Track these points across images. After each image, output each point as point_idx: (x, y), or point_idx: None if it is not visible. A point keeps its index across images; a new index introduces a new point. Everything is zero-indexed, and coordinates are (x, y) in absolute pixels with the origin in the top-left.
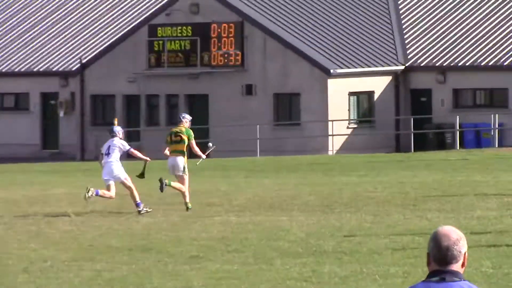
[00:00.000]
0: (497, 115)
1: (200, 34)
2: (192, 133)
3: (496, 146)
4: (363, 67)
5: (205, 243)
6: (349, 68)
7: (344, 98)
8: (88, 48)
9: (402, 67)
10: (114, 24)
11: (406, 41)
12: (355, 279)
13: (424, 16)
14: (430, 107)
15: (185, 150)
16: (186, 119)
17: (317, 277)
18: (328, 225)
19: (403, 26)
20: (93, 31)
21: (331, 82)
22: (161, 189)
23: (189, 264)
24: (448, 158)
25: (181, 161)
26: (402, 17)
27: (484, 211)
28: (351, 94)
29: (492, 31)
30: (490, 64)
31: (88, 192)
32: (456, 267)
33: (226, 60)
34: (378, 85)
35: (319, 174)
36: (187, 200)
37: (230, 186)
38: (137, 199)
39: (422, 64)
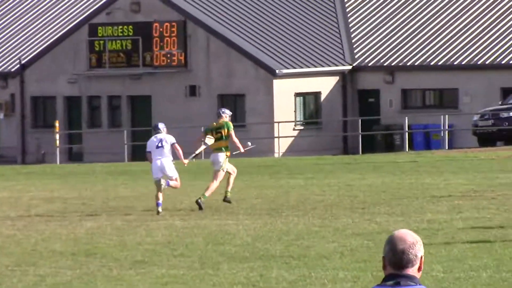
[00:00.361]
0: (447, 116)
1: (142, 34)
2: (231, 125)
3: (446, 147)
4: (310, 67)
5: (150, 247)
6: (295, 68)
7: (290, 99)
8: (28, 48)
9: (349, 67)
10: (54, 24)
11: (353, 41)
12: (303, 284)
13: (372, 15)
14: (378, 108)
15: (227, 146)
16: (226, 114)
17: (264, 281)
18: (275, 229)
19: (350, 26)
20: (32, 31)
21: (276, 83)
22: (200, 208)
23: (134, 269)
24: (397, 160)
25: (222, 157)
26: (349, 16)
27: (435, 214)
28: (297, 95)
29: (441, 30)
30: (439, 63)
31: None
32: (412, 271)
33: (168, 60)
34: (324, 85)
35: (266, 177)
36: (228, 188)
37: (174, 189)
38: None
39: (369, 64)
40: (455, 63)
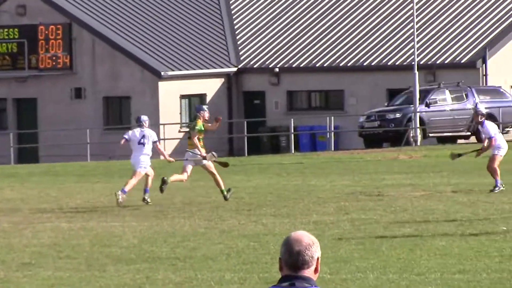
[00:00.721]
0: (332, 118)
1: (28, 37)
2: (196, 126)
3: (332, 149)
4: (195, 69)
5: (36, 249)
6: (180, 70)
7: (175, 101)
8: None
9: (235, 69)
10: None
11: (238, 43)
12: (189, 286)
13: (257, 17)
14: (264, 109)
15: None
16: (203, 111)
17: (151, 283)
18: (161, 231)
19: (236, 27)
20: None
21: (162, 85)
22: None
23: (21, 271)
24: (283, 162)
25: (197, 152)
26: (234, 18)
27: (321, 215)
28: (182, 97)
29: (327, 32)
30: (325, 65)
31: (118, 197)
32: (308, 272)
33: (54, 63)
34: (210, 87)
35: None
36: (222, 187)
37: (60, 191)
38: (149, 186)
39: (255, 66)
40: (341, 64)
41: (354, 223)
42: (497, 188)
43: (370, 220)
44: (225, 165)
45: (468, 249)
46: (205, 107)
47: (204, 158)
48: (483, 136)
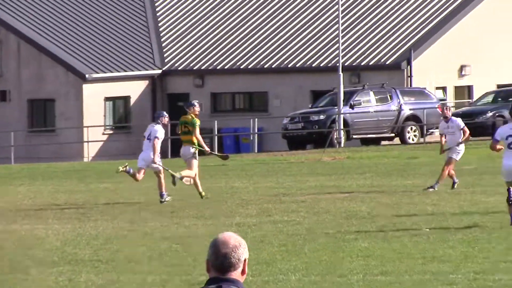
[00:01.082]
0: (256, 120)
1: None
2: (197, 122)
3: (256, 151)
4: (119, 72)
5: None
6: (105, 72)
7: (100, 104)
8: None
9: (159, 71)
10: None
11: (163, 45)
12: None
13: (182, 19)
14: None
15: (194, 140)
16: (193, 106)
17: (73, 286)
18: (84, 233)
19: (160, 30)
20: None
21: (86, 87)
22: (174, 183)
23: None
24: (207, 164)
25: (192, 149)
26: (159, 20)
27: (244, 217)
28: (107, 99)
29: (251, 34)
30: (249, 67)
31: (124, 167)
32: (235, 274)
33: None
34: (134, 89)
35: (75, 181)
36: (200, 189)
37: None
38: (163, 189)
39: (179, 68)
40: (265, 66)
41: (276, 225)
42: (431, 189)
43: (292, 222)
44: (225, 157)
45: (390, 250)
46: (195, 102)
47: (209, 153)
48: (449, 130)
